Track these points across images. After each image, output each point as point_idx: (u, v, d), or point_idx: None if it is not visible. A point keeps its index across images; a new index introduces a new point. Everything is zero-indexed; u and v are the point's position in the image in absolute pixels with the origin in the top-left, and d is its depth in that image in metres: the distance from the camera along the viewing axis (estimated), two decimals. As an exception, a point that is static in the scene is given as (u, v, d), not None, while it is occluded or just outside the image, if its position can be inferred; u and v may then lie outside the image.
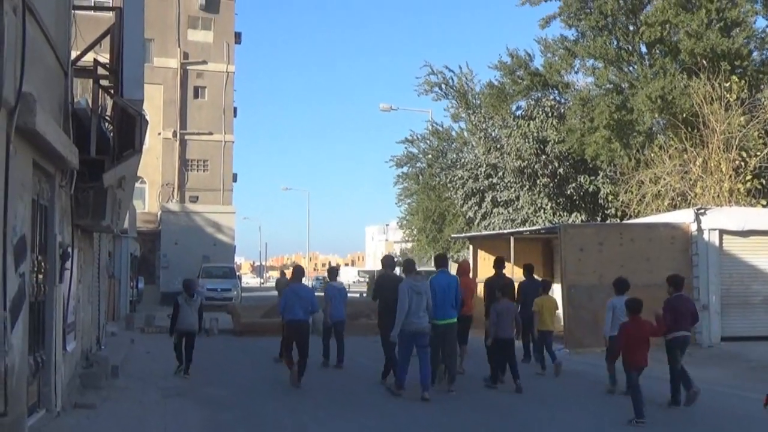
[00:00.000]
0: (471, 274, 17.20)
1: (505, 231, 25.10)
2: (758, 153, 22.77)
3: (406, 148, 39.09)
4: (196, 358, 14.36)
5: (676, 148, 23.58)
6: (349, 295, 18.81)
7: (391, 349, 12.58)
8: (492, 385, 12.52)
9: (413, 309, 11.51)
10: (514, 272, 22.02)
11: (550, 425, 9.91)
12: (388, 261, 13.78)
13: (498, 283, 13.69)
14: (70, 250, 10.36)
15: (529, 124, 29.17)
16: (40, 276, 9.10)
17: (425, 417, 10.30)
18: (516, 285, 14.75)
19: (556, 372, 13.76)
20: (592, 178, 28.49)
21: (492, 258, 23.18)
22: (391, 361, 12.62)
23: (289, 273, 17.23)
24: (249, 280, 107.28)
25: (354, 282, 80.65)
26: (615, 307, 11.93)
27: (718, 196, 22.23)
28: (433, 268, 14.38)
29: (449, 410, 10.77)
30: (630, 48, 26.65)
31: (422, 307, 11.60)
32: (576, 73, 28.85)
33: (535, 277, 16.26)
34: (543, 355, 14.29)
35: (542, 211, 28.83)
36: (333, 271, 17.01)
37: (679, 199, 23.32)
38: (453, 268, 24.50)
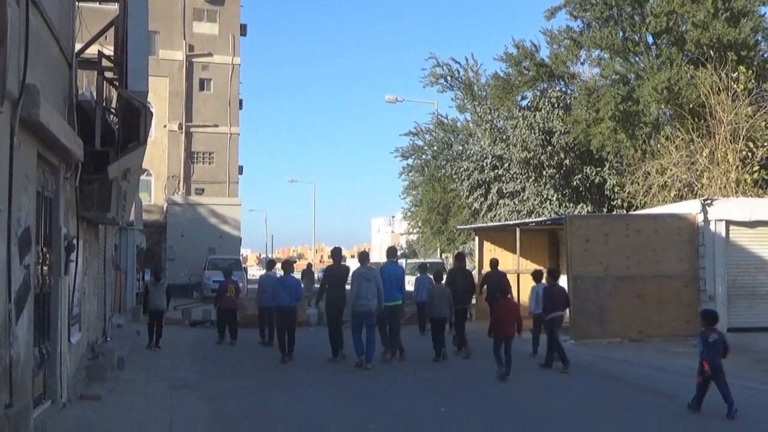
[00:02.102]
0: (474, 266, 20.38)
1: (511, 222, 25.05)
2: (765, 143, 22.66)
3: (411, 140, 39.08)
4: (201, 350, 14.76)
5: (682, 138, 23.50)
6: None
7: (336, 329, 14.81)
8: (436, 359, 14.69)
9: (363, 293, 13.70)
10: (520, 264, 22.04)
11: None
12: (336, 253, 15.89)
13: (492, 278, 15.85)
14: (75, 242, 10.36)
15: (535, 115, 29.09)
16: (45, 268, 9.10)
17: (450, 415, 10.29)
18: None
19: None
20: (598, 169, 28.41)
21: (497, 249, 23.44)
22: (335, 338, 14.84)
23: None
24: (255, 272, 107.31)
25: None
26: (537, 291, 15.00)
27: (725, 186, 22.16)
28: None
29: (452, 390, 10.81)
30: (636, 38, 26.53)
31: (372, 292, 13.70)
32: (582, 64, 28.82)
33: (498, 270, 17.65)
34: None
35: (548, 202, 28.77)
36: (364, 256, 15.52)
37: (686, 190, 23.24)
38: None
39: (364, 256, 14.77)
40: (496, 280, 16.09)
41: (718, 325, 10.04)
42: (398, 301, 14.49)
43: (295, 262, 18.83)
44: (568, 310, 15.80)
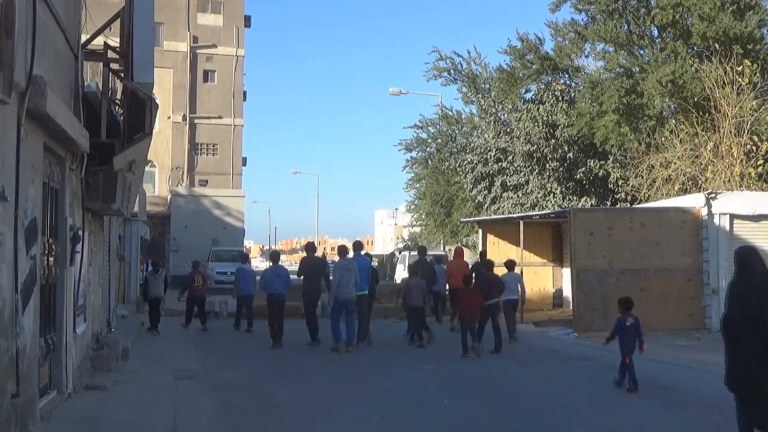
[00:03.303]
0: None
1: (515, 215, 25.06)
2: (770, 137, 22.62)
3: (415, 132, 39.03)
4: (205, 341, 14.82)
5: (687, 132, 23.46)
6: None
7: (313, 316, 16.01)
8: (411, 342, 16.07)
9: (344, 283, 14.89)
10: (524, 257, 22.05)
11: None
12: (310, 247, 17.45)
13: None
14: (80, 233, 10.40)
15: (538, 108, 29.05)
16: (51, 259, 9.13)
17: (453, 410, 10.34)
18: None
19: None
20: (602, 162, 28.39)
21: (500, 242, 23.53)
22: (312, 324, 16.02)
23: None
24: (258, 263, 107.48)
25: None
26: (506, 280, 16.37)
27: (729, 180, 22.13)
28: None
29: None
30: (641, 31, 26.49)
31: (351, 282, 14.93)
32: (586, 57, 28.71)
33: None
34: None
35: (552, 195, 28.77)
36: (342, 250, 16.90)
37: (690, 183, 23.22)
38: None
39: (342, 250, 16.13)
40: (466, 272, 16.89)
41: (633, 310, 11.25)
42: (365, 290, 15.62)
43: (280, 254, 20.13)
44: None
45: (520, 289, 17.11)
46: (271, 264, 17.51)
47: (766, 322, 6.51)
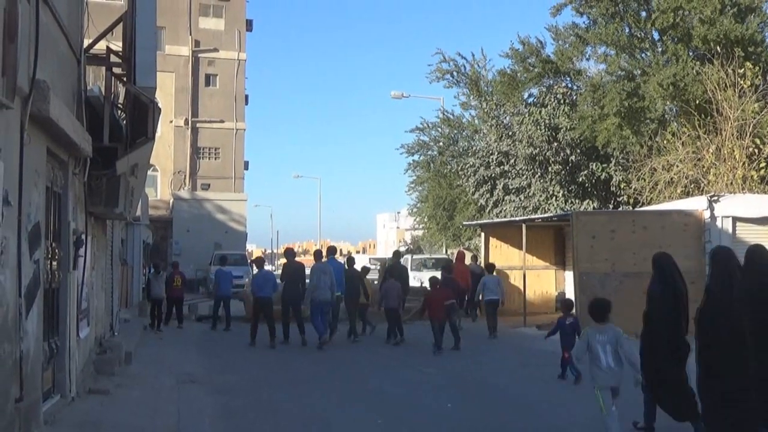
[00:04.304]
0: (479, 262, 24.03)
1: (517, 218, 25.04)
2: (772, 140, 22.61)
3: (417, 136, 39.03)
4: (207, 345, 15.19)
5: (689, 135, 23.45)
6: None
7: (298, 316, 16.85)
8: (389, 341, 16.96)
9: (320, 285, 16.11)
10: (526, 260, 22.05)
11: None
12: (289, 252, 18.59)
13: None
14: (83, 237, 10.41)
15: (540, 111, 29.04)
16: (54, 263, 9.14)
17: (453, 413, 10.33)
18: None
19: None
20: (604, 165, 28.37)
21: (503, 245, 23.58)
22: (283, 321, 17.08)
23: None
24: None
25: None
26: (487, 282, 18.43)
27: (732, 183, 22.11)
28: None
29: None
30: (642, 34, 26.47)
31: (327, 284, 16.14)
32: (588, 60, 28.71)
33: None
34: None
35: (554, 198, 28.73)
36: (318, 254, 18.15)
37: (692, 186, 23.20)
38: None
39: (318, 254, 17.49)
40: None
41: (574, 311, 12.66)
42: (337, 292, 16.79)
43: (264, 260, 20.99)
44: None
45: (500, 290, 18.49)
46: (257, 270, 18.29)
47: (678, 325, 8.23)
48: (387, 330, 17.20)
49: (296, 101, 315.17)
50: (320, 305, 16.17)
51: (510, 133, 30.48)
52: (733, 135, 22.47)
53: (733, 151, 22.43)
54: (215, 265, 35.45)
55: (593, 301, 8.31)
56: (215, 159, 47.60)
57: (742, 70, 22.55)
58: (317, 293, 16.15)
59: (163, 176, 45.85)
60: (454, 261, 22.43)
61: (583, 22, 27.94)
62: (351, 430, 9.09)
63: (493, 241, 24.19)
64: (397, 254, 21.13)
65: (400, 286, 17.47)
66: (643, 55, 26.49)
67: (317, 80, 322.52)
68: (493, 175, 30.77)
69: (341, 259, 21.23)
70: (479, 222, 27.93)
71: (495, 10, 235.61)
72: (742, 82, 22.41)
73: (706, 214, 18.10)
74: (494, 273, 19.63)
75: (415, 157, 39.57)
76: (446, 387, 11.64)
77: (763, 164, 22.39)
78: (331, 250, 18.21)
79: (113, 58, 12.67)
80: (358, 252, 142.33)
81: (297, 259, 19.15)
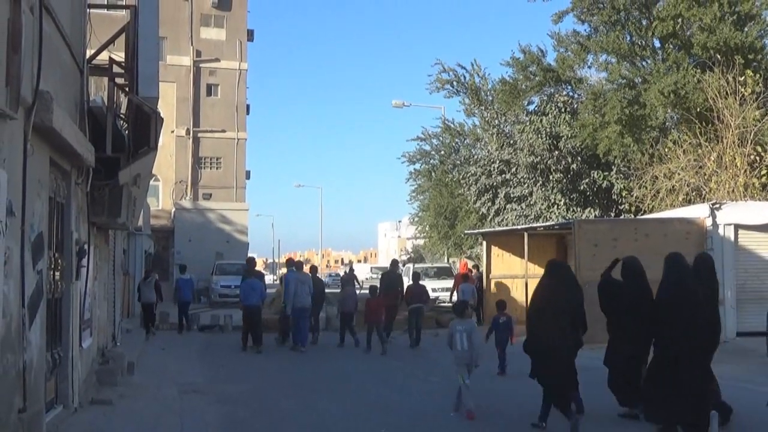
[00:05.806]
0: (483, 270, 24.67)
1: (519, 227, 25.04)
2: (773, 147, 22.61)
3: (418, 144, 39.08)
4: (210, 355, 15.82)
5: (690, 142, 23.45)
6: (359, 291, 23.38)
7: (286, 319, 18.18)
8: (341, 344, 18.49)
9: (299, 293, 17.47)
10: (528, 269, 22.04)
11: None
12: (251, 261, 20.38)
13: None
14: (86, 247, 10.41)
15: (541, 120, 29.09)
16: (57, 273, 9.15)
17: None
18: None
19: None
20: (606, 173, 28.38)
21: (504, 254, 23.59)
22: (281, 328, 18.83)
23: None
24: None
25: (367, 278, 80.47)
26: (463, 289, 20.96)
27: (733, 190, 22.10)
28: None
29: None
30: (643, 42, 26.53)
31: (306, 292, 17.58)
32: (589, 68, 28.75)
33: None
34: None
35: (555, 206, 28.75)
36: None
37: (694, 194, 23.20)
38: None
39: (299, 265, 18.61)
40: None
41: (508, 310, 14.50)
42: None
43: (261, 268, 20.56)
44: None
45: (473, 296, 21.09)
46: (286, 274, 18.89)
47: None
48: (339, 333, 18.74)
49: (297, 111, 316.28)
50: (299, 312, 17.58)
51: (511, 142, 30.53)
52: (734, 142, 22.48)
53: (735, 158, 22.44)
54: (217, 275, 35.56)
55: (457, 303, 12.21)
56: (217, 168, 47.61)
57: (743, 77, 22.58)
58: (296, 300, 17.45)
59: (164, 186, 45.85)
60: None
61: (585, 30, 28.09)
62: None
63: (494, 249, 24.20)
64: (395, 263, 21.84)
65: (356, 293, 19.81)
66: (644, 63, 26.55)
67: (318, 90, 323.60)
68: (494, 183, 30.81)
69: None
70: (481, 231, 27.94)
71: (497, 18, 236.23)
72: (742, 89, 22.44)
73: (708, 222, 18.10)
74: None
75: (417, 166, 39.68)
76: (453, 397, 11.56)
77: (764, 172, 22.39)
78: (299, 265, 18.92)
79: (116, 69, 12.69)
80: (359, 261, 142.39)
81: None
